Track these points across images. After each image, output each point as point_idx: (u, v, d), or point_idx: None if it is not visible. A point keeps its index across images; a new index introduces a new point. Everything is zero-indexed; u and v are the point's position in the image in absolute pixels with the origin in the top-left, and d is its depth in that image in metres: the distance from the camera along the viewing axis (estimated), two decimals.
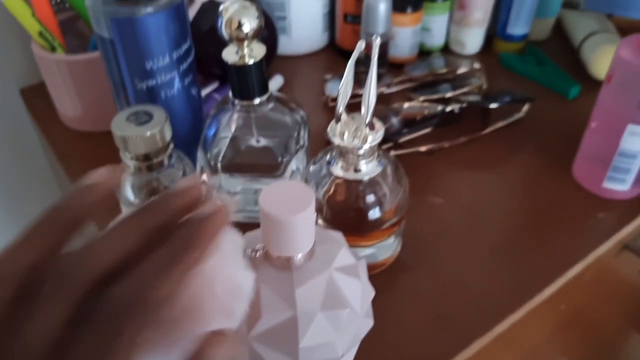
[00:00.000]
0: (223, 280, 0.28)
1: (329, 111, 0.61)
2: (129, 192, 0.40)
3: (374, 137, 0.37)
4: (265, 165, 0.46)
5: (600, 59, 0.62)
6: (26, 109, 0.64)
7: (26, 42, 0.63)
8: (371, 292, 0.34)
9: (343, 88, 0.36)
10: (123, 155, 0.38)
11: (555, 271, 0.43)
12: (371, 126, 0.37)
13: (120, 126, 0.37)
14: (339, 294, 0.31)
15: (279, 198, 0.29)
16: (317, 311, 0.30)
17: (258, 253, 0.31)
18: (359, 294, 0.32)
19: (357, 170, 0.38)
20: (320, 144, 0.56)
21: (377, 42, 0.35)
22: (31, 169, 0.74)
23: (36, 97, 0.63)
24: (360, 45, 0.36)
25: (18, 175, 0.74)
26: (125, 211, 0.41)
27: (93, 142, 0.55)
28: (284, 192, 0.29)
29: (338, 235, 0.35)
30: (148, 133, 0.36)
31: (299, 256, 0.31)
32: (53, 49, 0.53)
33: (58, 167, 0.58)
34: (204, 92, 0.60)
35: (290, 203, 0.29)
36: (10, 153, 0.71)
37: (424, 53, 0.70)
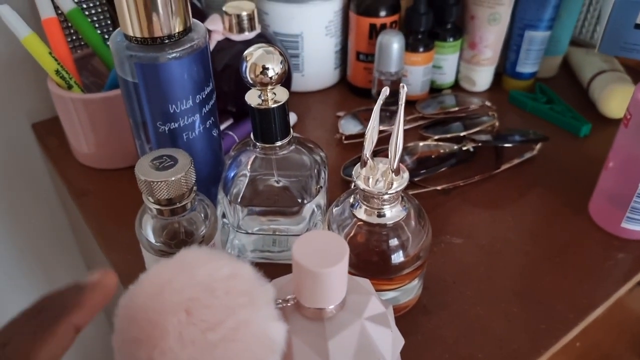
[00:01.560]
0: (256, 333, 0.27)
1: (343, 148, 0.61)
2: (150, 235, 0.39)
3: (400, 183, 0.37)
4: (284, 206, 0.46)
5: (610, 98, 0.63)
6: (38, 144, 0.64)
7: (39, 78, 0.63)
8: (401, 341, 0.34)
9: (369, 133, 0.36)
10: (146, 199, 0.38)
11: (577, 315, 0.43)
12: (396, 171, 0.37)
13: (145, 170, 0.36)
14: (372, 344, 0.31)
15: (312, 249, 0.29)
16: None
17: (289, 303, 0.31)
18: (390, 343, 0.32)
19: (380, 215, 0.38)
20: (335, 181, 0.56)
21: (404, 90, 0.35)
22: (40, 204, 0.74)
23: (48, 133, 0.63)
24: (385, 92, 0.36)
25: (26, 212, 0.73)
26: (145, 254, 0.41)
27: (107, 179, 0.55)
28: (317, 243, 0.29)
29: (366, 283, 0.34)
30: (173, 178, 0.36)
31: (331, 307, 0.30)
32: (69, 87, 0.53)
33: (70, 203, 0.58)
34: None
35: (324, 254, 0.28)
36: (20, 187, 0.71)
37: (434, 90, 0.70)
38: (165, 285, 0.27)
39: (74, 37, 0.61)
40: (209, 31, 0.59)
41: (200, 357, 0.25)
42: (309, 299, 0.30)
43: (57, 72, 0.53)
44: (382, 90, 0.36)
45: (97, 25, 0.62)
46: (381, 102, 0.36)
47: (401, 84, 0.34)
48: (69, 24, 0.61)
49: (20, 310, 0.24)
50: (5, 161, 0.68)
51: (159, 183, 0.36)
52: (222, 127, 0.60)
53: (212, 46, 0.59)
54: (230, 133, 0.58)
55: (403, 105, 0.35)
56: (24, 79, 0.64)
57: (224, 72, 0.58)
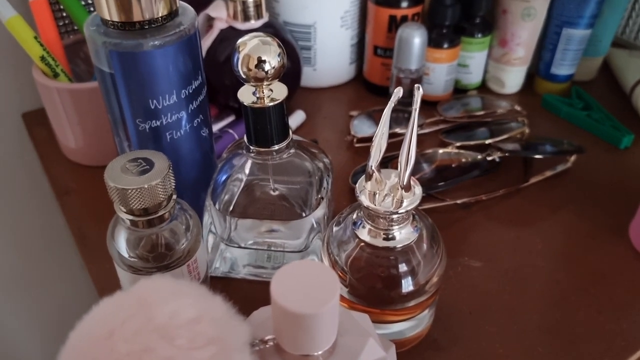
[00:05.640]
0: None
1: (355, 152, 0.56)
2: (122, 248, 0.34)
3: (411, 201, 0.31)
4: (281, 217, 0.41)
5: None
6: (28, 135, 0.60)
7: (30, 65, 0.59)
8: None
9: (377, 141, 0.31)
10: (117, 208, 0.33)
11: (614, 358, 0.37)
12: (406, 187, 0.31)
13: (115, 176, 0.32)
14: None
15: (296, 284, 0.23)
16: None
17: (268, 345, 0.26)
18: None
19: (388, 237, 0.32)
20: (343, 189, 0.50)
21: (419, 92, 0.29)
22: (34, 197, 0.70)
23: (38, 123, 0.59)
24: (398, 92, 0.31)
25: (20, 205, 0.70)
26: (118, 270, 0.36)
27: (93, 178, 0.51)
28: (301, 276, 0.24)
29: (364, 320, 0.29)
30: (146, 185, 0.31)
31: (318, 353, 0.25)
32: (56, 75, 0.49)
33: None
34: (218, 126, 0.55)
35: (310, 292, 0.23)
36: (12, 179, 0.67)
37: (458, 91, 0.64)
38: (116, 329, 0.22)
39: (67, 22, 0.57)
40: (212, 18, 0.54)
41: None
42: (291, 343, 0.25)
43: (43, 58, 0.48)
44: (395, 90, 0.30)
45: (92, 9, 0.57)
46: (392, 104, 0.31)
47: (416, 85, 0.29)
48: (61, 7, 0.56)
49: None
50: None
51: (132, 190, 0.31)
52: (222, 124, 0.55)
53: (214, 35, 0.54)
54: (231, 131, 0.53)
55: (417, 110, 0.29)
56: (16, 65, 0.60)
57: (226, 63, 0.53)
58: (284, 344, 0.25)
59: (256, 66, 0.34)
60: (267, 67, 0.34)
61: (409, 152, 0.30)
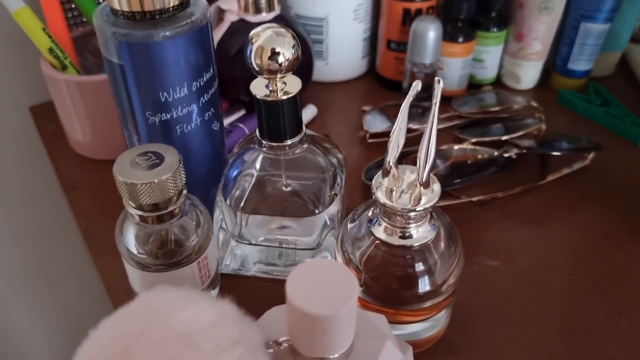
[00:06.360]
0: None
1: (367, 147, 0.54)
2: (131, 244, 0.34)
3: (429, 198, 0.30)
4: (293, 214, 0.40)
5: None
6: (36, 129, 0.59)
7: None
8: None
9: (395, 136, 0.30)
10: (127, 204, 0.32)
11: None
12: (425, 184, 0.30)
13: (125, 170, 0.31)
14: None
15: (312, 284, 0.22)
16: None
17: (282, 347, 0.25)
18: None
19: (404, 235, 0.31)
20: (356, 186, 0.49)
21: (440, 85, 0.28)
22: (41, 191, 0.69)
23: (46, 117, 0.58)
24: (417, 86, 0.30)
25: (27, 199, 0.69)
26: (127, 267, 0.35)
27: (102, 172, 0.50)
28: (317, 276, 0.23)
29: (382, 322, 0.28)
30: (156, 180, 0.30)
31: (335, 356, 0.24)
32: (64, 68, 0.48)
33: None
34: (229, 120, 0.54)
35: (327, 293, 0.22)
36: (20, 173, 0.66)
37: (473, 86, 0.63)
38: (132, 345, 0.20)
39: (75, 14, 0.56)
40: (223, 10, 0.53)
41: None
42: (306, 346, 0.24)
43: (51, 50, 0.47)
44: (413, 84, 0.29)
45: (101, 0, 0.56)
46: (411, 98, 0.29)
47: (436, 78, 0.28)
48: None
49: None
50: (8, 145, 0.64)
51: (141, 185, 0.30)
52: (233, 118, 0.54)
53: (225, 28, 0.53)
54: (241, 126, 0.52)
55: (438, 104, 0.28)
56: (25, 58, 0.59)
57: (237, 57, 0.52)
58: (299, 346, 0.24)
59: (269, 58, 0.33)
60: (281, 59, 0.33)
61: (428, 147, 0.29)
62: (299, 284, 0.22)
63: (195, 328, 0.21)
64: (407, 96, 0.29)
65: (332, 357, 0.24)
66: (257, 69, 0.33)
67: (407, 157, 0.49)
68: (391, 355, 0.26)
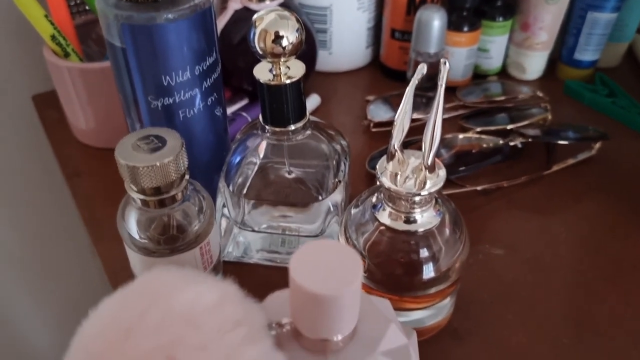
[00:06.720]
0: None
1: (371, 137, 0.54)
2: (133, 229, 0.33)
3: (434, 182, 0.30)
4: (297, 201, 0.39)
5: None
6: (38, 117, 0.59)
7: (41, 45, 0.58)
8: None
9: (400, 120, 0.29)
10: (128, 187, 0.32)
11: None
12: (430, 168, 0.30)
13: (126, 153, 0.30)
14: None
15: (316, 264, 0.22)
16: None
17: (285, 329, 0.25)
18: None
19: (409, 220, 0.31)
20: (359, 174, 0.49)
21: (446, 67, 0.28)
22: (44, 179, 0.69)
23: (48, 106, 0.58)
24: (422, 69, 0.29)
25: (30, 187, 0.69)
26: (128, 253, 0.35)
27: (104, 159, 0.50)
28: (322, 256, 0.22)
29: (385, 306, 0.28)
30: (158, 163, 0.30)
31: (338, 338, 0.24)
32: (66, 55, 0.48)
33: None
34: (232, 109, 0.53)
35: (331, 272, 0.22)
36: (22, 161, 0.66)
37: (478, 76, 0.63)
38: (134, 326, 0.20)
39: (78, 1, 0.55)
40: None
41: None
42: (309, 327, 0.23)
43: (53, 37, 0.47)
44: (418, 67, 0.29)
45: None
46: (416, 81, 0.29)
47: (442, 59, 0.27)
48: None
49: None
50: (9, 134, 0.63)
51: (143, 168, 0.30)
52: (236, 107, 0.54)
53: (228, 16, 0.52)
54: (244, 114, 0.52)
55: (444, 86, 0.28)
56: (26, 46, 0.59)
57: (240, 45, 0.52)
58: (302, 328, 0.23)
59: (273, 41, 0.32)
60: (284, 42, 0.32)
61: (434, 130, 0.28)
62: (302, 264, 0.22)
63: (197, 309, 0.21)
64: (412, 79, 0.29)
65: (335, 339, 0.24)
66: (260, 52, 0.33)
67: (410, 146, 0.48)
68: (395, 339, 0.26)
